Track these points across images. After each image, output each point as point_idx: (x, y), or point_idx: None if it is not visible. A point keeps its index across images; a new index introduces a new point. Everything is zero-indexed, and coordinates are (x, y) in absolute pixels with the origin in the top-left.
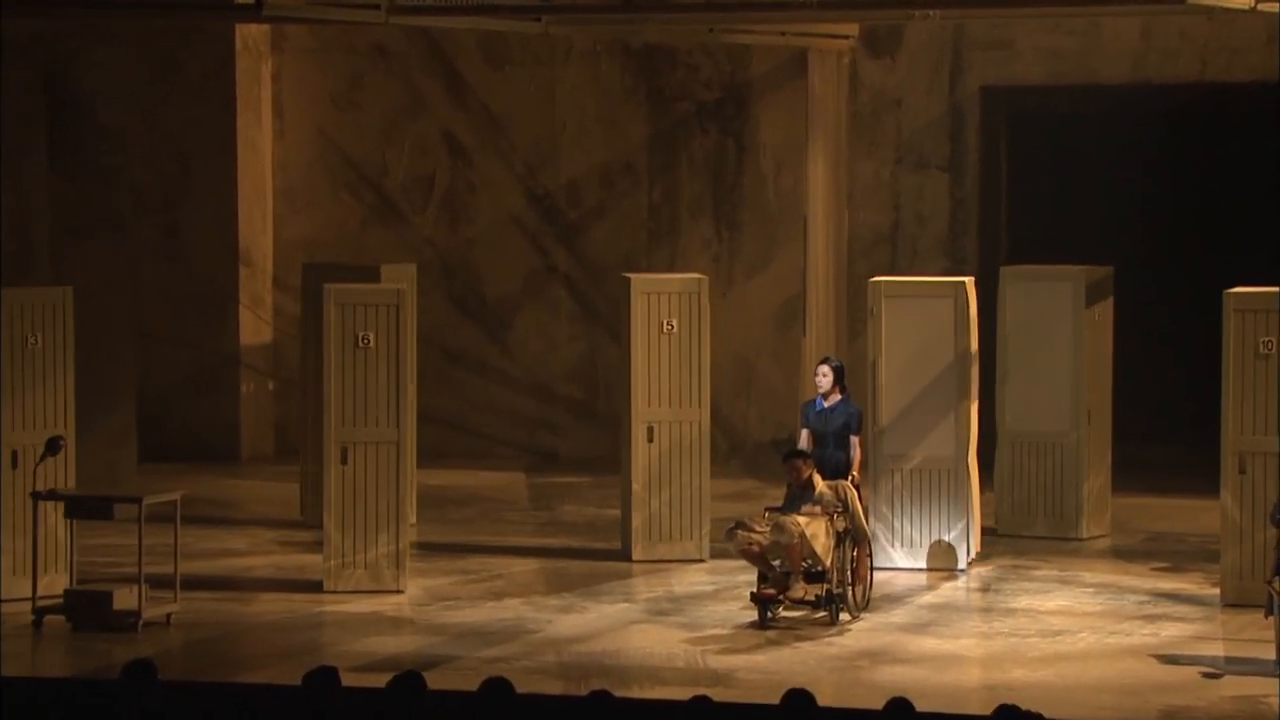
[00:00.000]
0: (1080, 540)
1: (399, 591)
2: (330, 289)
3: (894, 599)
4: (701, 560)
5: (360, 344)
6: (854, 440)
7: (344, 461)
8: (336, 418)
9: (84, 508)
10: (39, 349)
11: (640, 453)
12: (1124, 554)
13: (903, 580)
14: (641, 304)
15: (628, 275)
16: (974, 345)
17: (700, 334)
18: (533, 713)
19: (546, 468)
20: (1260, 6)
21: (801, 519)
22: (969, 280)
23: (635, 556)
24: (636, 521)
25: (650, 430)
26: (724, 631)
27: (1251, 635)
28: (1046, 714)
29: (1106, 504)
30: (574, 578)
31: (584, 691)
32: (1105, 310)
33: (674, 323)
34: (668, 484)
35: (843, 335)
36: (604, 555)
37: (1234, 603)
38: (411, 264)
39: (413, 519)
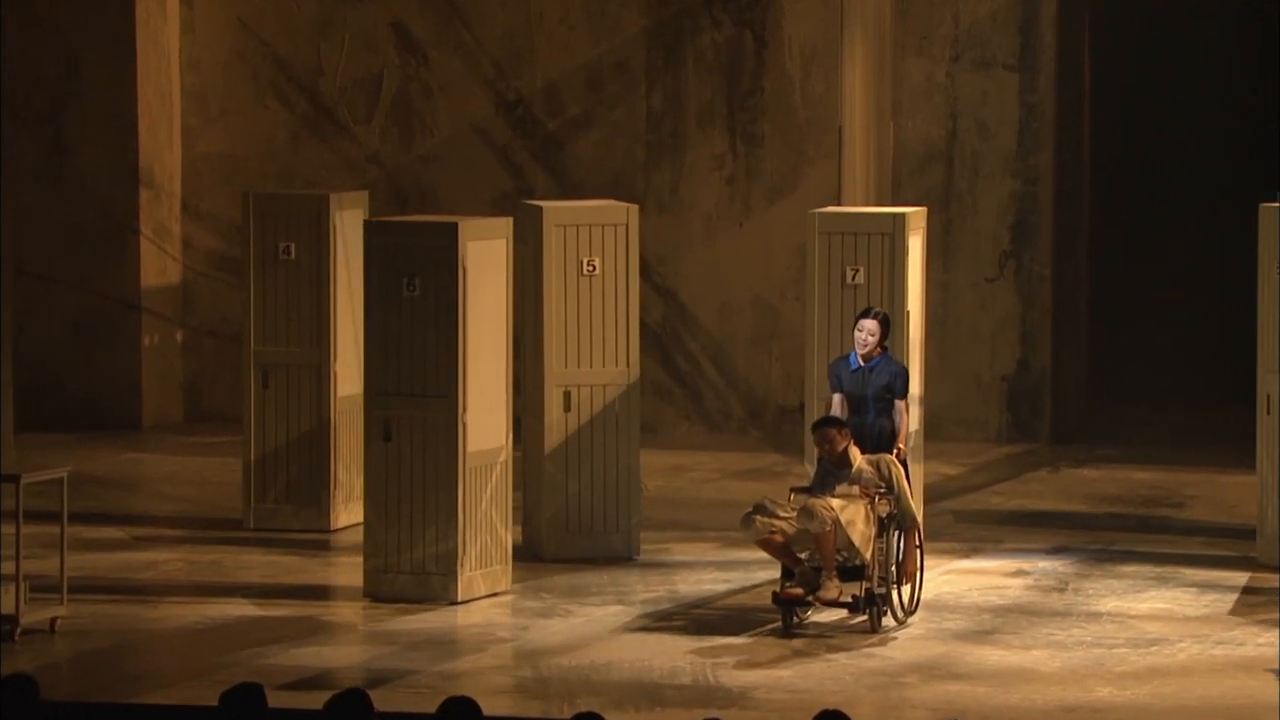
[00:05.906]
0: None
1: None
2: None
3: (949, 600)
4: (631, 559)
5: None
6: (899, 405)
7: (387, 438)
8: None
9: None
10: None
11: (555, 424)
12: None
13: (960, 577)
14: (556, 240)
15: (537, 204)
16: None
17: (628, 276)
18: None
19: (518, 439)
20: None
21: (836, 502)
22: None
23: (546, 554)
24: (549, 510)
25: (567, 396)
26: (739, 640)
27: None
28: None
29: None
30: (554, 574)
31: (568, 714)
32: None
33: (596, 263)
34: (589, 463)
35: None
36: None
37: None
38: (363, 191)
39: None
